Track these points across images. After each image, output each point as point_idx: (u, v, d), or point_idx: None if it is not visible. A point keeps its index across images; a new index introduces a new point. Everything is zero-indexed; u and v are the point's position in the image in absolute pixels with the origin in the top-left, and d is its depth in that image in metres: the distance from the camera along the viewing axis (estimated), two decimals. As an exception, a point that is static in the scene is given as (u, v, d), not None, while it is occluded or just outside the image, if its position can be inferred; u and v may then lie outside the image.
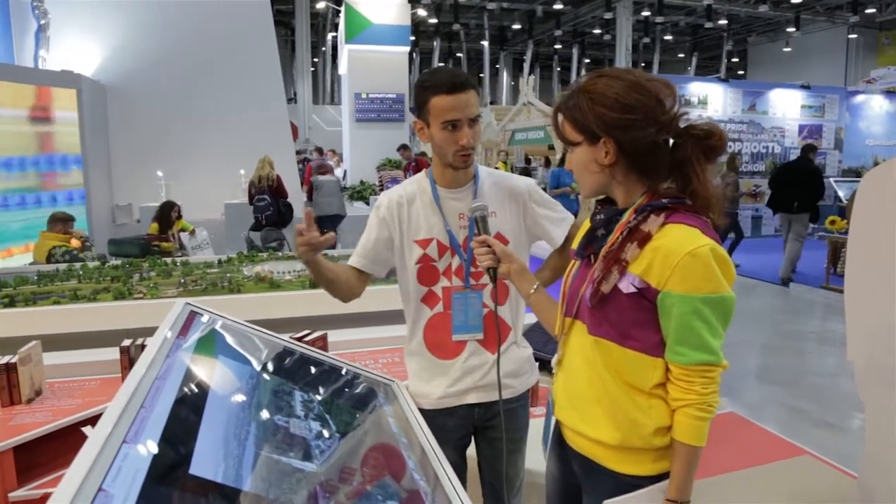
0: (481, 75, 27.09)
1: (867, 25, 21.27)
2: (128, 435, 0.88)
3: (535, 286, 1.50)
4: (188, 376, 1.17)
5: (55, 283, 3.74)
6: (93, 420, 2.25)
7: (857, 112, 13.22)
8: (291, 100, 20.80)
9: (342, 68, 15.04)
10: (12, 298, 3.27)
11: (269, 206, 7.28)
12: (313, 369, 1.67)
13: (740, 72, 28.59)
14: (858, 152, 13.00)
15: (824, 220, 7.92)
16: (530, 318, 2.96)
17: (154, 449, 0.90)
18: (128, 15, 7.98)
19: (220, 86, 8.21)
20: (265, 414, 1.27)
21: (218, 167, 8.21)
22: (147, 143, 8.09)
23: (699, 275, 1.18)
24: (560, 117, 1.34)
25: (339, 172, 12.33)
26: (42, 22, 7.79)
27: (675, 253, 1.19)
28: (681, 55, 30.52)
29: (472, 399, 1.73)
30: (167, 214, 6.36)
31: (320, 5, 21.36)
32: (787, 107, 12.09)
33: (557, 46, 28.06)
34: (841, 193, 10.67)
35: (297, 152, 12.77)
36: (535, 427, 2.00)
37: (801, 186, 7.78)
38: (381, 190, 10.44)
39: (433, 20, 24.01)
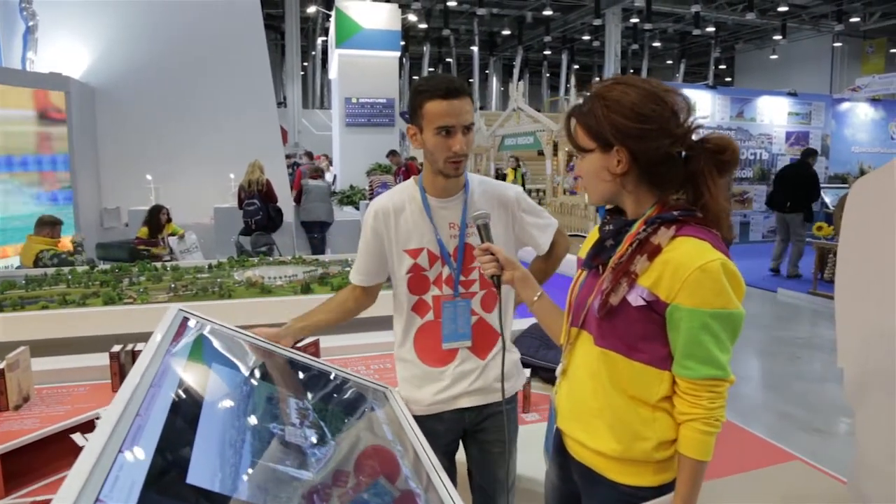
0: (471, 80, 27.13)
1: (852, 34, 21.57)
2: (124, 443, 0.88)
3: (538, 293, 1.50)
4: (183, 384, 1.16)
5: (43, 287, 3.70)
6: (82, 427, 2.22)
7: (843, 119, 13.38)
8: (281, 104, 20.71)
9: (332, 73, 15.04)
10: (0, 303, 3.23)
11: (258, 210, 7.25)
12: (308, 376, 1.67)
13: (728, 78, 28.86)
14: (844, 159, 13.15)
15: (811, 226, 8.06)
16: (518, 325, 2.98)
17: (151, 458, 0.89)
18: (117, 18, 7.93)
19: (209, 89, 8.17)
20: (261, 422, 1.26)
21: (207, 171, 8.16)
22: (136, 146, 8.03)
23: (709, 289, 1.17)
24: (573, 122, 1.32)
25: (328, 177, 12.31)
26: (30, 24, 7.72)
27: (686, 267, 1.18)
28: (669, 62, 30.77)
29: (463, 403, 1.73)
30: (156, 218, 6.33)
31: (310, 9, 21.34)
32: (774, 114, 12.22)
33: (547, 52, 28.19)
34: (827, 200, 10.78)
35: (287, 156, 12.73)
36: (535, 434, 2.00)
37: (796, 188, 8.31)
38: (371, 195, 10.41)
39: (423, 25, 24.05)
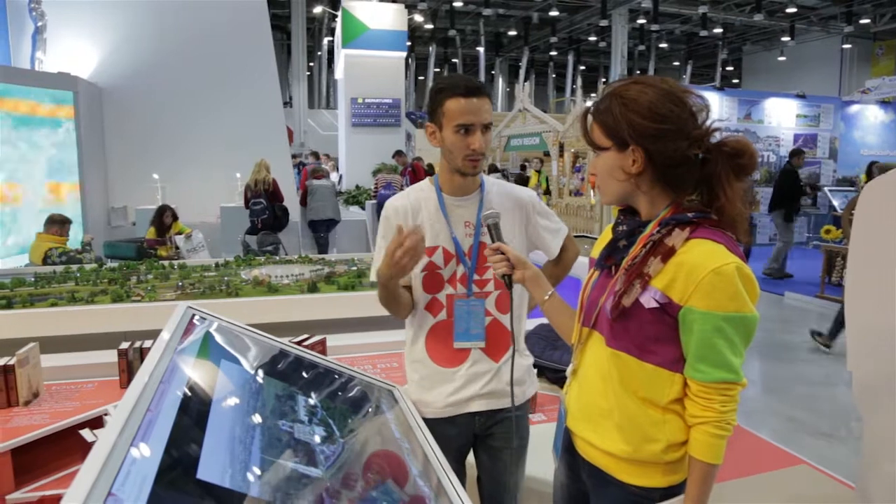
0: (477, 81, 27.09)
1: (861, 35, 21.42)
2: (135, 439, 0.88)
3: (549, 292, 1.49)
4: (192, 380, 1.17)
5: (52, 284, 3.72)
6: (90, 423, 2.24)
7: (852, 122, 13.29)
8: (287, 104, 20.77)
9: (338, 73, 15.04)
10: (10, 300, 3.25)
11: (265, 209, 7.27)
12: (316, 374, 1.67)
13: (735, 80, 28.75)
14: (853, 162, 13.03)
15: (818, 229, 8.04)
16: (526, 326, 2.97)
17: (161, 453, 0.90)
18: (125, 18, 7.96)
19: (216, 89, 8.19)
20: (270, 419, 1.27)
21: (214, 170, 8.18)
22: (143, 145, 8.06)
23: (723, 293, 1.16)
24: (589, 120, 1.32)
25: (333, 177, 12.32)
26: (39, 24, 7.75)
27: (700, 269, 1.17)
28: (676, 63, 30.69)
29: (475, 407, 1.73)
30: (162, 218, 6.35)
31: (317, 10, 21.39)
32: (782, 116, 12.16)
33: (553, 53, 28.18)
34: (836, 203, 10.70)
35: (293, 156, 12.75)
36: (541, 435, 2.00)
37: (778, 188, 8.65)
38: (376, 193, 10.40)
39: (429, 26, 24.07)
